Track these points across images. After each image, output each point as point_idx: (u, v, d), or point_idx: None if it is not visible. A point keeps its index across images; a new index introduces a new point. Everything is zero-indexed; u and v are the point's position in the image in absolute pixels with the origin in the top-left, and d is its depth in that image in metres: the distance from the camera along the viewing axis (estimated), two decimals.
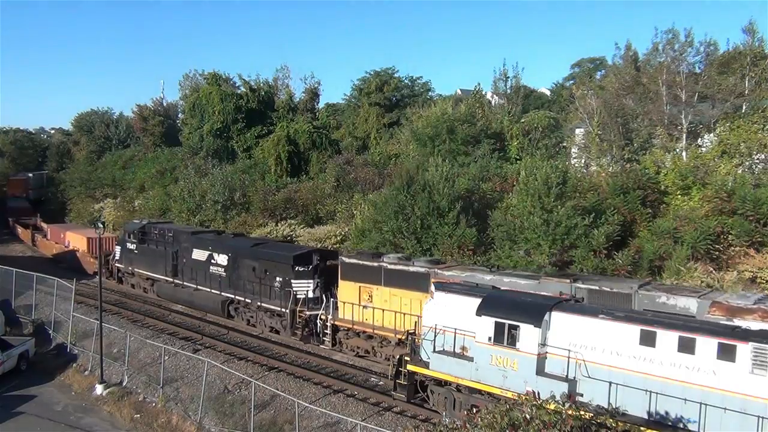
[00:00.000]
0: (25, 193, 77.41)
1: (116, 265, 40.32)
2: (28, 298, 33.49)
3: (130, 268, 39.14)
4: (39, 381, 25.93)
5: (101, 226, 28.04)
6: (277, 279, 28.50)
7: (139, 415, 22.62)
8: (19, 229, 62.95)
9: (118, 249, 40.12)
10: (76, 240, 47.91)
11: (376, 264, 25.11)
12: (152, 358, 25.96)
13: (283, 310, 28.11)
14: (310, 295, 27.68)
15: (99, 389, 24.61)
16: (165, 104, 74.81)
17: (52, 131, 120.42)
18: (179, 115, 72.19)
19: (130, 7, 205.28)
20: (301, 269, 27.86)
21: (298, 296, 27.58)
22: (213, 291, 32.27)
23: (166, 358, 24.90)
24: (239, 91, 60.72)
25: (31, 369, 27.00)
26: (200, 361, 23.66)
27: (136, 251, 38.01)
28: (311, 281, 27.86)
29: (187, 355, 25.56)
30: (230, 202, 43.90)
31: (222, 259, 31.89)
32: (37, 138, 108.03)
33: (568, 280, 19.82)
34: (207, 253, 32.78)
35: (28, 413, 22.81)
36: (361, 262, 25.75)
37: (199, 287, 33.15)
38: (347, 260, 26.25)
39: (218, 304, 31.76)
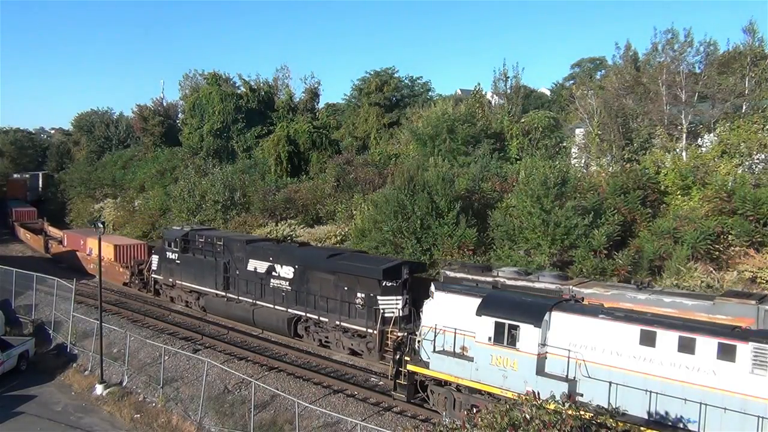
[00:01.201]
0: (26, 194, 76.13)
1: (153, 276, 36.73)
2: (28, 298, 33.47)
3: (170, 280, 35.17)
4: (39, 381, 25.92)
5: (101, 226, 27.97)
6: (359, 295, 25.42)
7: (139, 415, 22.62)
8: (28, 235, 58.01)
9: (155, 258, 36.29)
10: (103, 248, 44.62)
11: (489, 278, 20.91)
12: (152, 358, 25.95)
13: (368, 330, 25.01)
14: (399, 313, 24.59)
15: (99, 389, 24.61)
16: (165, 104, 74.85)
17: (52, 131, 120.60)
18: (179, 115, 72.22)
19: (131, 7, 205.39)
20: (389, 284, 24.63)
21: (386, 315, 24.46)
22: (277, 307, 28.69)
23: (166, 358, 24.90)
24: (239, 91, 60.78)
25: (31, 369, 26.99)
26: (200, 361, 23.66)
27: (177, 261, 34.25)
28: (400, 297, 24.78)
29: (187, 355, 25.55)
30: (230, 202, 43.91)
31: (287, 271, 28.41)
32: (37, 138, 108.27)
33: (753, 302, 16.09)
34: (267, 264, 29.34)
35: (28, 413, 22.80)
36: (468, 276, 21.32)
37: (258, 302, 29.67)
38: (451, 273, 21.81)
39: (283, 321, 28.16)
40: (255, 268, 30.00)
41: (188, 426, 21.53)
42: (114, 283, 40.25)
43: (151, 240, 50.16)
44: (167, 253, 34.98)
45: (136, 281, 38.76)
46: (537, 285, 20.03)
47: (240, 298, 30.69)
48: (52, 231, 58.31)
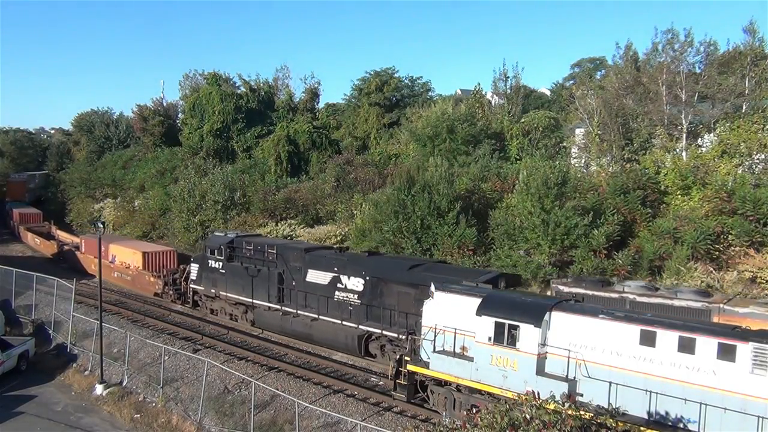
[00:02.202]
0: (26, 195, 74.79)
1: (193, 286, 33.40)
2: (28, 298, 33.46)
3: (212, 291, 31.92)
4: (39, 381, 25.91)
5: (101, 226, 27.90)
6: None
7: (139, 415, 22.62)
8: (37, 240, 54.00)
9: (194, 268, 32.95)
10: (127, 255, 40.08)
11: (614, 295, 18.61)
12: (152, 358, 25.95)
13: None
14: None
15: (99, 389, 24.60)
16: (165, 104, 74.77)
17: (52, 131, 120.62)
18: (179, 115, 72.18)
19: (131, 6, 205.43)
20: None
21: None
22: (345, 323, 25.67)
23: (166, 358, 24.90)
24: (239, 91, 60.77)
25: (31, 369, 26.97)
26: (200, 361, 23.65)
27: (222, 271, 31.12)
28: None
29: (187, 355, 25.54)
30: (230, 202, 43.90)
31: (355, 283, 25.54)
32: (37, 138, 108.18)
33: None
34: (330, 275, 26.43)
35: (28, 413, 22.79)
36: (587, 291, 19.03)
37: (320, 317, 26.57)
38: (564, 289, 19.65)
39: (353, 339, 25.34)
40: (315, 280, 27.09)
41: (188, 426, 21.53)
42: (142, 293, 37.38)
43: (151, 240, 50.22)
44: (209, 261, 31.70)
45: (170, 292, 35.50)
46: (676, 303, 17.92)
47: (298, 312, 27.56)
48: (62, 235, 54.93)
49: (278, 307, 28.53)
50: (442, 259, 28.35)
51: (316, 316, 26.72)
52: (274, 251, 28.79)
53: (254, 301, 29.66)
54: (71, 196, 68.71)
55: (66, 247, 48.95)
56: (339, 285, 25.94)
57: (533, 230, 26.72)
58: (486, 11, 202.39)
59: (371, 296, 24.94)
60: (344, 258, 26.67)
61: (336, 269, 26.34)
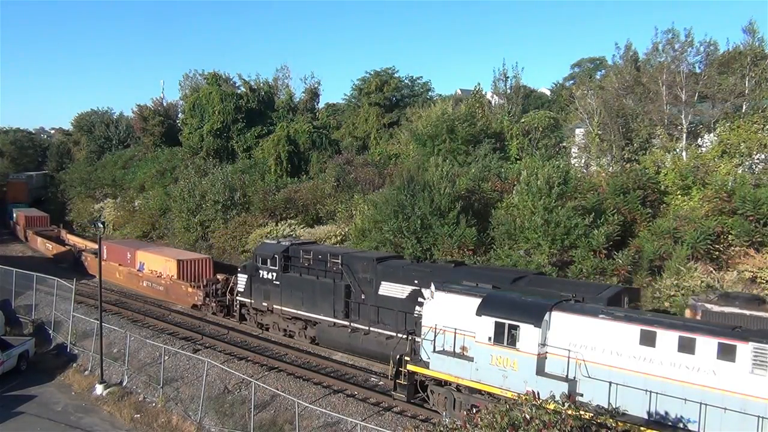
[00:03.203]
0: (27, 196, 72.21)
1: (240, 299, 30.73)
2: (28, 298, 33.47)
3: (264, 304, 29.19)
4: (39, 381, 25.93)
5: (101, 226, 27.81)
6: None
7: (139, 415, 22.62)
8: (49, 245, 50.26)
9: (242, 278, 30.41)
10: (158, 263, 36.96)
11: None
12: (152, 358, 25.96)
13: None
14: None
15: (99, 389, 24.61)
16: (165, 104, 74.83)
17: (52, 131, 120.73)
18: (179, 115, 72.21)
19: (131, 6, 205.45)
20: None
21: None
22: None
23: (166, 358, 24.90)
24: (239, 91, 60.79)
25: (31, 369, 26.99)
26: (200, 361, 23.66)
27: (276, 282, 28.48)
28: None
29: (187, 355, 25.55)
30: (230, 202, 43.91)
31: None
32: (37, 138, 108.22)
33: None
34: (409, 288, 23.89)
35: (28, 413, 22.81)
36: (743, 312, 16.80)
37: (400, 335, 22.64)
38: (714, 309, 17.55)
39: None
40: (391, 293, 24.66)
41: (188, 426, 21.54)
42: (177, 305, 34.68)
43: (151, 240, 50.23)
44: (261, 272, 29.04)
45: (212, 304, 32.74)
46: None
47: (370, 329, 25.15)
48: (74, 240, 51.66)
49: (346, 323, 25.98)
50: (539, 269, 25.13)
51: (392, 333, 23.77)
52: (339, 261, 26.12)
53: (315, 315, 27.15)
54: (71, 196, 68.76)
55: (84, 254, 45.67)
56: (422, 300, 21.57)
57: (534, 230, 26.73)
58: (486, 11, 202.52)
59: None
60: (426, 269, 23.72)
61: (416, 282, 23.52)
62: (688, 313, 19.19)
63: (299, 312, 27.86)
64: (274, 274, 28.58)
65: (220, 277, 34.23)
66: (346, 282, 26.17)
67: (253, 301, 30.01)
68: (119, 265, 39.96)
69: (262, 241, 32.20)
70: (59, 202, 70.23)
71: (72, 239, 52.03)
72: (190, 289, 34.08)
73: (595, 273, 25.12)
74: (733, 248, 25.73)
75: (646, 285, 25.53)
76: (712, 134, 32.77)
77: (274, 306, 28.89)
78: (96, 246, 43.96)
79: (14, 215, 63.06)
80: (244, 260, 38.30)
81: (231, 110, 57.08)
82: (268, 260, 28.82)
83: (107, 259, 40.37)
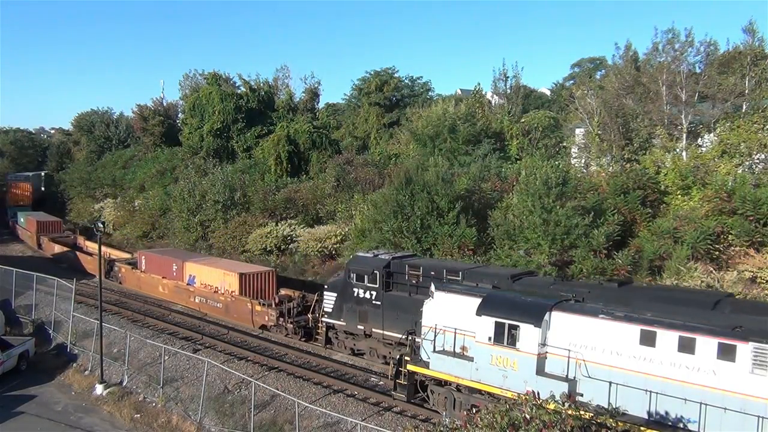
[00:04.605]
0: (31, 198, 67.74)
1: (328, 320, 26.56)
2: (28, 298, 33.47)
3: (361, 327, 25.18)
4: (39, 381, 25.94)
5: (101, 226, 27.73)
6: None
7: (139, 415, 22.62)
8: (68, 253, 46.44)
9: (329, 297, 26.37)
10: (213, 277, 32.93)
11: None
12: (152, 358, 25.96)
13: None
14: None
15: (99, 389, 24.62)
16: (165, 104, 74.82)
17: (52, 131, 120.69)
18: (179, 115, 72.24)
19: (131, 6, 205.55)
20: None
21: None
22: None
23: (166, 358, 24.91)
24: (239, 91, 60.79)
25: (31, 369, 27.00)
26: (200, 361, 23.67)
27: (376, 302, 24.64)
28: None
29: (187, 355, 25.55)
30: (230, 202, 43.91)
31: None
32: (37, 138, 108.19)
33: None
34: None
35: (28, 413, 22.81)
36: None
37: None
38: None
39: None
40: None
41: (188, 426, 21.54)
42: (240, 324, 30.65)
43: (151, 240, 50.20)
44: (356, 290, 25.24)
45: (289, 325, 28.53)
46: None
47: None
48: (91, 246, 46.81)
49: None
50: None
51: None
52: (460, 277, 21.46)
53: None
54: (71, 196, 68.74)
55: (117, 265, 41.25)
56: None
57: (533, 230, 26.72)
58: (486, 11, 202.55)
59: None
60: (583, 289, 18.88)
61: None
62: None
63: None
64: (374, 293, 24.59)
65: (293, 293, 30.48)
66: None
67: (344, 323, 25.86)
68: (163, 278, 36.04)
69: (355, 254, 27.43)
70: (59, 202, 70.13)
71: (91, 245, 47.24)
72: (258, 308, 29.68)
73: (595, 273, 25.11)
74: (733, 248, 25.74)
75: (647, 285, 25.50)
76: (712, 134, 32.75)
77: (374, 330, 24.93)
78: (129, 256, 43.16)
79: (22, 220, 58.85)
80: (244, 259, 38.28)
81: (231, 110, 57.08)
82: (366, 277, 24.87)
83: (147, 270, 37.59)
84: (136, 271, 38.55)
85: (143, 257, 38.33)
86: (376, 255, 25.57)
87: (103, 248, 44.55)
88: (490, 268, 23.43)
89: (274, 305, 29.44)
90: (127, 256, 43.34)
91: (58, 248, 48.61)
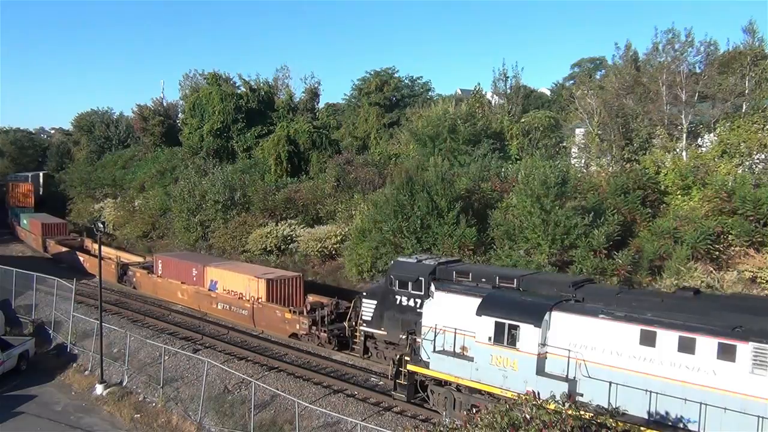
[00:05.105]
0: (33, 199, 65.16)
1: (365, 329, 24.97)
2: (28, 298, 33.47)
3: (402, 338, 22.81)
4: (39, 381, 25.93)
5: (101, 226, 27.65)
6: None
7: (139, 415, 22.63)
8: (82, 258, 44.69)
9: (368, 305, 24.67)
10: (237, 282, 31.28)
11: None
12: (152, 358, 25.96)
13: None
14: None
15: (99, 389, 24.62)
16: (165, 104, 74.80)
17: (52, 131, 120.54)
18: (179, 115, 72.23)
19: (131, 6, 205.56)
20: None
21: None
22: None
23: (166, 358, 24.91)
24: (239, 91, 60.78)
25: (31, 369, 27.00)
26: (200, 361, 23.67)
27: (419, 310, 21.98)
28: None
29: (187, 355, 25.56)
30: (230, 202, 43.92)
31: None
32: (37, 138, 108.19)
33: None
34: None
35: (28, 413, 22.81)
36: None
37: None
38: None
39: None
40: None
41: (188, 426, 21.55)
42: (269, 332, 29.13)
43: (151, 239, 50.21)
44: (398, 297, 23.68)
45: (322, 334, 26.94)
46: None
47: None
48: (90, 247, 46.06)
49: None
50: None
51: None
52: (514, 284, 19.67)
53: None
54: (71, 196, 68.72)
55: (132, 270, 39.66)
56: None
57: (533, 230, 26.74)
58: (486, 11, 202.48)
59: None
60: (654, 299, 17.20)
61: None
62: None
63: None
64: (418, 301, 22.64)
65: (324, 300, 28.93)
66: None
67: (385, 332, 24.19)
68: (182, 283, 34.49)
69: (396, 259, 25.37)
70: (60, 203, 70.06)
71: (107, 251, 44.57)
72: (288, 315, 28.17)
73: (595, 273, 25.12)
74: (733, 248, 25.75)
75: (647, 285, 25.55)
76: (712, 134, 32.75)
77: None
78: (141, 259, 42.24)
79: (25, 222, 57.11)
80: (244, 259, 38.25)
81: (231, 110, 57.07)
82: (410, 283, 23.23)
83: (164, 275, 36.17)
84: (152, 276, 37.26)
85: (160, 261, 36.83)
86: (420, 260, 23.89)
87: (114, 252, 44.93)
88: (547, 275, 22.02)
89: (305, 312, 28.01)
90: (139, 259, 42.20)
91: (66, 252, 47.16)
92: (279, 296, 29.85)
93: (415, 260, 23.94)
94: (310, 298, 29.79)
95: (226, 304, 31.60)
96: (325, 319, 27.22)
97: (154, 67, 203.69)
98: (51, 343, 29.75)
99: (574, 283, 18.80)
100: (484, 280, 20.52)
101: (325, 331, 26.88)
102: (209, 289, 32.80)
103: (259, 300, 29.75)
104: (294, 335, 28.21)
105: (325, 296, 29.79)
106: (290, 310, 28.44)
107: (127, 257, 43.41)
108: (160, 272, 36.63)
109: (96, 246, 44.02)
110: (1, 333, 29.15)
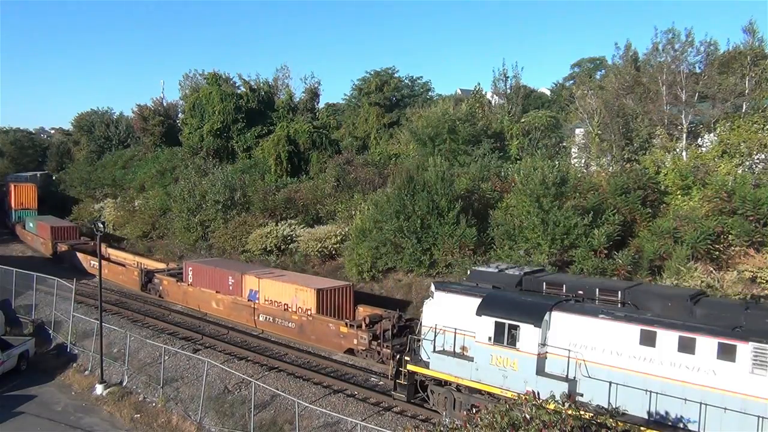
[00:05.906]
0: (36, 201, 62.48)
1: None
2: (28, 298, 33.46)
3: None
4: (39, 381, 25.93)
5: (101, 226, 27.60)
6: None
7: (139, 415, 22.63)
8: (92, 262, 42.10)
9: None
10: (283, 292, 28.83)
11: None
12: (152, 358, 25.96)
13: None
14: None
15: (99, 389, 24.62)
16: (165, 104, 74.81)
17: (52, 131, 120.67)
18: (179, 115, 72.22)
19: (131, 6, 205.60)
20: None
21: None
22: None
23: (166, 358, 24.91)
24: (239, 91, 60.79)
25: (31, 369, 27.00)
26: (200, 361, 23.67)
27: None
28: None
29: (187, 355, 25.55)
30: (230, 202, 43.91)
31: None
32: (37, 138, 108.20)
33: None
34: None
35: (28, 413, 22.81)
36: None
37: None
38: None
39: None
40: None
41: (188, 426, 21.54)
42: (318, 347, 26.96)
43: (151, 239, 50.16)
44: None
45: (384, 350, 24.29)
46: None
47: None
48: (123, 256, 43.87)
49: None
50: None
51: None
52: (618, 297, 17.66)
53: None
54: (73, 195, 68.71)
55: (158, 277, 37.17)
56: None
57: (533, 230, 26.73)
58: (486, 11, 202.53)
59: None
60: None
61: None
62: None
63: None
64: None
65: (378, 311, 26.32)
66: None
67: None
68: (216, 292, 31.91)
69: (473, 269, 22.26)
70: (61, 203, 69.93)
71: (123, 256, 44.06)
72: (344, 329, 25.57)
73: (595, 273, 25.12)
74: (733, 248, 25.72)
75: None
76: (712, 134, 32.73)
77: None
78: (165, 266, 39.55)
79: (31, 225, 54.57)
80: (244, 259, 38.23)
81: (231, 110, 57.07)
82: None
83: (194, 284, 33.46)
84: (181, 285, 34.45)
85: (190, 268, 34.01)
86: (501, 269, 21.31)
87: (136, 258, 43.54)
88: (657, 288, 20.03)
89: (364, 326, 25.17)
90: (162, 266, 39.99)
91: (82, 257, 44.63)
92: (329, 307, 27.46)
93: (496, 269, 21.27)
94: (361, 309, 27.53)
95: (269, 316, 28.90)
96: (388, 333, 24.60)
97: (154, 68, 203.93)
98: (51, 343, 29.74)
99: (692, 297, 16.72)
100: (581, 292, 18.50)
101: (388, 347, 24.06)
102: (249, 299, 30.29)
103: (309, 312, 27.11)
104: (350, 350, 25.75)
105: (373, 306, 27.68)
106: (346, 324, 25.76)
107: (149, 263, 41.22)
108: (190, 280, 33.85)
109: (111, 251, 45.03)
110: (1, 333, 29.15)
